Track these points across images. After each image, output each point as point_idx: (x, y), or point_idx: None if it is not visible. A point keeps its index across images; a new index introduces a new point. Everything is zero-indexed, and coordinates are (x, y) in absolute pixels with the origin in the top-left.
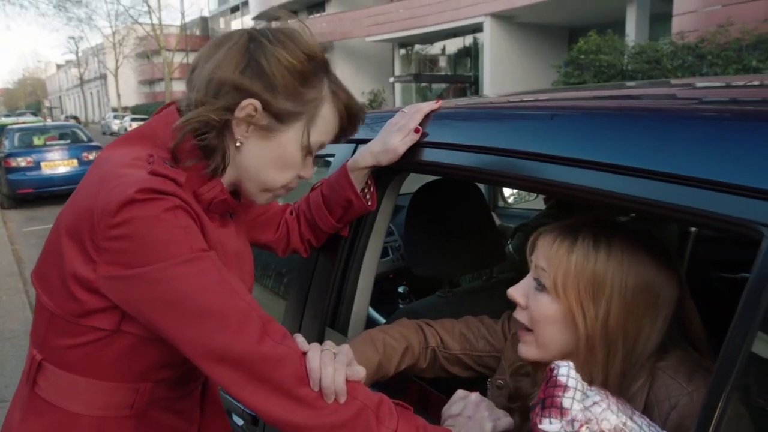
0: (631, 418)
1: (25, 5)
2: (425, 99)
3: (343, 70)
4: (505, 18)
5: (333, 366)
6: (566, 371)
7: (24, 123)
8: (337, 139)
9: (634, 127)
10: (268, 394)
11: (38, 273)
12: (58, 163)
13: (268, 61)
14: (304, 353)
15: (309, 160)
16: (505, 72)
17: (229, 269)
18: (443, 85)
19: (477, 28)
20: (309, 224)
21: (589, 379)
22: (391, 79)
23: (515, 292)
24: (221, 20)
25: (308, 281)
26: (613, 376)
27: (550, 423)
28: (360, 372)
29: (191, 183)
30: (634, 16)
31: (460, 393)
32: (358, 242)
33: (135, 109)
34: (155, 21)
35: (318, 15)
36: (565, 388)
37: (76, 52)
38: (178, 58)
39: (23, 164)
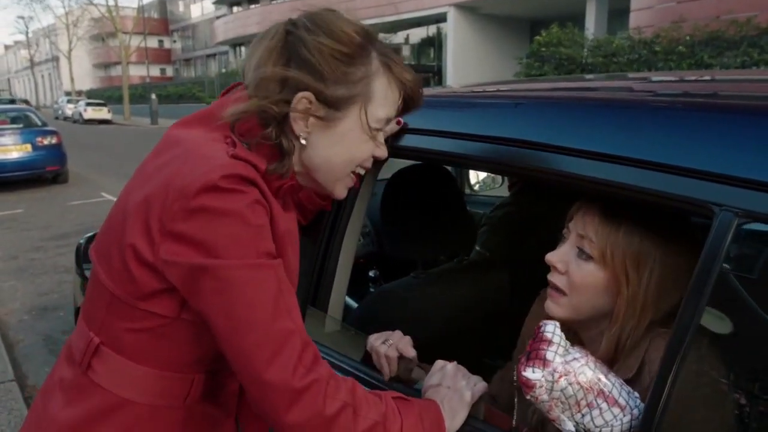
0: (605, 376)
1: None
2: None
3: None
4: (468, 9)
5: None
6: (552, 329)
7: None
8: (403, 111)
9: (599, 116)
10: (291, 421)
11: (99, 249)
12: (10, 148)
13: (310, 51)
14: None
15: (380, 137)
16: (468, 63)
17: (294, 258)
18: None
19: (440, 18)
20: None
21: (616, 341)
22: None
23: (554, 258)
24: (180, 3)
25: None
26: (633, 338)
27: (533, 372)
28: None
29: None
30: (594, 10)
31: (438, 364)
32: (339, 226)
33: (90, 93)
34: (111, 2)
35: (277, 2)
36: (550, 342)
37: (26, 33)
38: (135, 42)
39: None
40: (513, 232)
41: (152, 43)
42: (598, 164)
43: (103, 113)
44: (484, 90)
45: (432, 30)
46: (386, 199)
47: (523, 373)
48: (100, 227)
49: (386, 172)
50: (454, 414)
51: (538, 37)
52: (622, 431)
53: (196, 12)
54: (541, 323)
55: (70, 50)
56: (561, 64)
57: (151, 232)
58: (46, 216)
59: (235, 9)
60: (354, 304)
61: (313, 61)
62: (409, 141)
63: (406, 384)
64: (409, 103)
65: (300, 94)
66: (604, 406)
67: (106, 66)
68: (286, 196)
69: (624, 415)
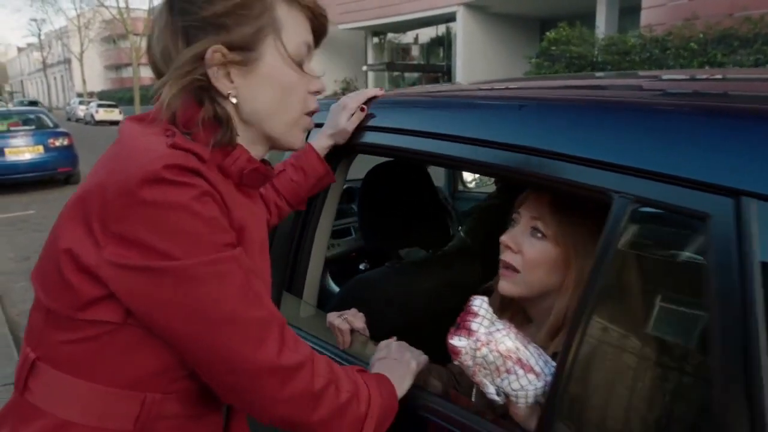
0: (524, 346)
1: None
2: (398, 87)
3: (315, 58)
4: (477, 8)
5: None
6: (479, 303)
7: None
8: (317, 36)
9: (526, 116)
10: (282, 402)
11: (37, 270)
12: (23, 149)
13: (199, 5)
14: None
15: (308, 69)
16: (478, 62)
17: (253, 259)
18: (416, 74)
19: (450, 18)
20: (278, 207)
21: (564, 312)
22: (364, 68)
23: (507, 238)
24: None
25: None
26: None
27: (459, 340)
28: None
29: (215, 157)
30: (604, 8)
31: (384, 342)
32: (312, 219)
33: (101, 95)
34: (122, 4)
35: None
36: (476, 315)
37: (39, 35)
38: (146, 43)
39: None
40: (491, 223)
41: None
42: (528, 157)
43: (114, 114)
44: (448, 91)
45: (441, 29)
46: (362, 195)
47: (450, 341)
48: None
49: (361, 170)
50: (402, 381)
51: (548, 35)
52: (536, 395)
53: None
54: (471, 298)
55: (81, 52)
56: (571, 63)
57: (92, 234)
58: None
59: None
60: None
61: (207, 14)
62: (379, 139)
63: (359, 357)
64: (318, 28)
65: (210, 48)
66: (520, 372)
67: (117, 67)
68: (257, 185)
69: (538, 381)
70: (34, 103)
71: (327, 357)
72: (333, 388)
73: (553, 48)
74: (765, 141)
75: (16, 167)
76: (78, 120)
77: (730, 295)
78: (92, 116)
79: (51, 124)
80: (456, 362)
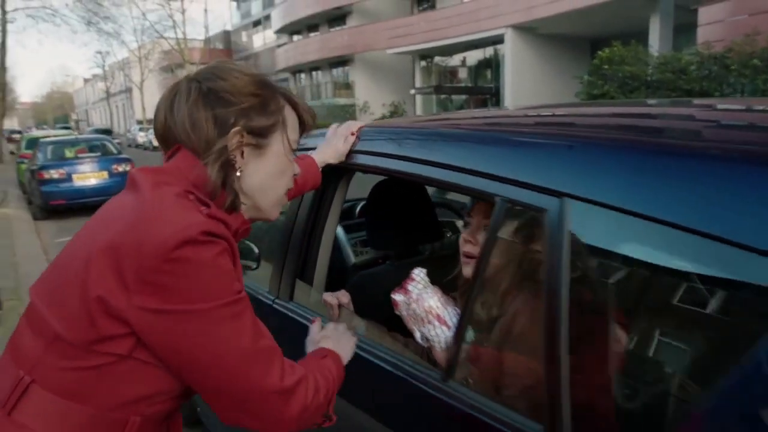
0: (444, 306)
1: (57, 22)
2: (446, 110)
3: (363, 83)
4: (525, 29)
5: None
6: (418, 272)
7: (55, 136)
8: (302, 134)
9: (451, 140)
10: (288, 419)
11: (49, 295)
12: (89, 175)
13: (229, 92)
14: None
15: (293, 157)
16: (526, 83)
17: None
18: (463, 97)
19: (497, 40)
20: None
21: (508, 286)
22: (412, 91)
23: (467, 235)
24: (243, 34)
25: (285, 248)
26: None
27: (398, 296)
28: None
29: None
30: (658, 26)
31: (330, 324)
32: (320, 223)
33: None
34: (180, 35)
35: (339, 28)
36: (413, 280)
37: (103, 67)
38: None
39: (56, 176)
40: None
41: None
42: (449, 172)
43: None
44: (422, 122)
45: (489, 51)
46: (367, 205)
47: (393, 296)
48: (51, 265)
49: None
50: (349, 351)
51: (600, 54)
52: (447, 342)
53: (258, 42)
54: (414, 269)
55: (142, 81)
56: (624, 83)
57: (124, 282)
58: None
59: (295, 37)
60: None
61: (234, 99)
62: (369, 160)
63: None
64: (304, 127)
65: (233, 130)
66: (437, 324)
67: None
68: (239, 239)
69: (449, 332)
70: (107, 131)
71: (306, 370)
72: (321, 395)
73: (605, 67)
74: (578, 160)
75: (82, 192)
76: (137, 146)
77: (556, 268)
78: (150, 142)
79: (114, 151)
80: (396, 312)
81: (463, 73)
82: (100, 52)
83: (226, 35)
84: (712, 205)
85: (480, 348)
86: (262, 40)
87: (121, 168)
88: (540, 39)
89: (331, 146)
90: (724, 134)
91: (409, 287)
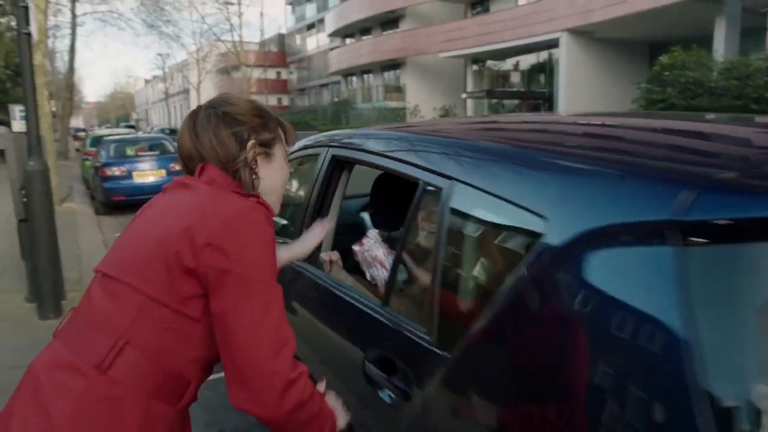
0: (387, 257)
1: (122, 26)
2: (498, 114)
3: (414, 86)
4: (582, 33)
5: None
6: (373, 232)
7: (118, 135)
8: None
9: (409, 143)
10: (280, 403)
11: (127, 268)
12: (148, 173)
13: (242, 114)
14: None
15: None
16: (581, 89)
17: None
18: (515, 101)
19: (552, 44)
20: None
21: (421, 242)
22: (463, 95)
23: (423, 216)
24: (297, 37)
25: (300, 225)
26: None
27: (356, 247)
28: None
29: None
30: (723, 30)
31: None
32: (326, 203)
33: None
34: (236, 38)
35: (392, 32)
36: (368, 237)
37: (163, 68)
38: (256, 74)
39: (117, 173)
40: None
41: (271, 74)
42: (399, 164)
43: None
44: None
45: (543, 56)
46: (371, 193)
47: (353, 247)
48: (116, 248)
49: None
50: (339, 417)
51: (661, 59)
52: (385, 280)
53: (311, 45)
54: (370, 230)
55: (199, 83)
56: (686, 88)
57: (196, 248)
58: None
59: (348, 41)
60: None
61: (245, 120)
62: (362, 156)
63: (336, 280)
64: (287, 142)
65: (249, 143)
66: (380, 267)
67: None
68: None
69: (386, 273)
70: (173, 131)
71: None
72: (315, 399)
73: (666, 73)
74: (457, 152)
75: (141, 189)
76: None
77: (444, 234)
78: None
79: (172, 150)
80: (355, 259)
81: (515, 78)
82: (160, 54)
83: (281, 38)
84: (522, 187)
85: (405, 284)
86: (315, 43)
87: (178, 167)
88: (596, 43)
89: (302, 247)
90: (549, 140)
91: (365, 242)
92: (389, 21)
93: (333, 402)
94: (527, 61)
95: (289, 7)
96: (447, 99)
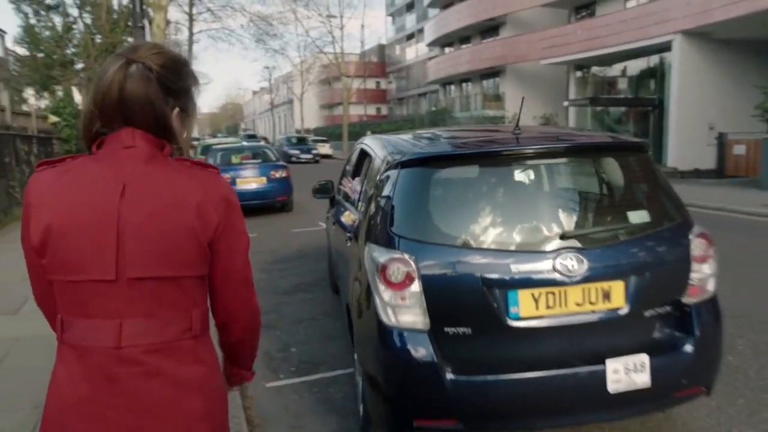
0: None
1: (232, 42)
2: (602, 123)
3: (513, 94)
4: (698, 35)
5: None
6: (356, 180)
7: (226, 143)
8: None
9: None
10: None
11: (168, 260)
12: (250, 180)
13: (177, 89)
14: None
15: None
16: (696, 94)
17: None
18: (622, 109)
19: (664, 48)
20: None
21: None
22: (566, 103)
23: (353, 184)
24: (396, 47)
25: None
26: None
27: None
28: None
29: None
30: None
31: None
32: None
33: (316, 131)
34: (338, 50)
35: (491, 39)
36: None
37: (269, 80)
38: (356, 84)
39: None
40: None
41: (370, 84)
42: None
43: (325, 149)
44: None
45: (653, 60)
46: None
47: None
48: (122, 244)
49: None
50: None
51: None
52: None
53: (410, 54)
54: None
55: (302, 93)
56: None
57: (203, 220)
58: (274, 241)
59: (446, 50)
60: None
61: (180, 94)
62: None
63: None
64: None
65: (178, 109)
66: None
67: (330, 106)
68: None
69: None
70: (252, 136)
71: None
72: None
73: None
74: (409, 149)
75: (243, 195)
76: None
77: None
78: (310, 150)
79: (273, 158)
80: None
81: (622, 84)
82: (267, 67)
83: (380, 49)
84: None
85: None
86: (414, 52)
87: (278, 174)
88: (715, 45)
89: None
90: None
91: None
92: (489, 29)
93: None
94: (635, 66)
95: (389, 18)
96: (548, 107)
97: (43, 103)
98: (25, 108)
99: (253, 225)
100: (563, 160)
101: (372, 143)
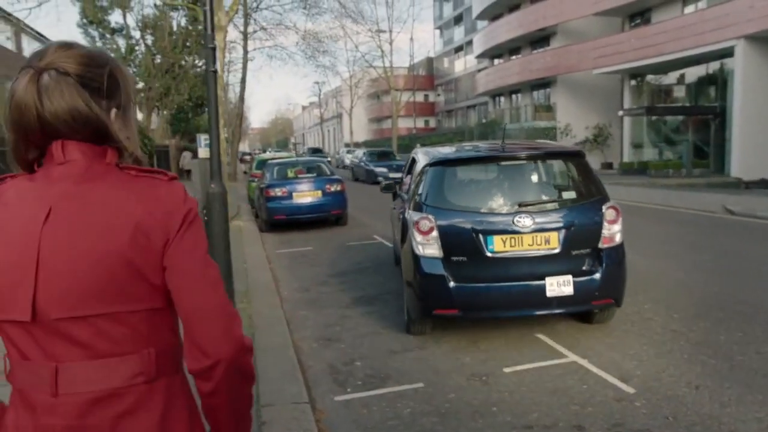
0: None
1: (284, 58)
2: (658, 133)
3: (565, 104)
4: (762, 39)
5: None
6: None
7: (280, 158)
8: None
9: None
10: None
11: (98, 296)
12: (306, 194)
13: (113, 89)
14: None
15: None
16: (762, 101)
17: None
18: (680, 118)
19: (725, 54)
20: None
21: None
22: (620, 113)
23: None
24: (445, 60)
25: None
26: None
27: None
28: None
29: None
30: None
31: None
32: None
33: (365, 144)
34: (387, 64)
35: (542, 50)
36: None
37: (319, 95)
38: (405, 97)
39: (279, 194)
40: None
41: (419, 97)
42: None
43: None
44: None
45: (713, 67)
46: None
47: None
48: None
49: None
50: None
51: None
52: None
53: (459, 67)
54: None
55: (351, 108)
56: None
57: (153, 247)
58: (330, 254)
59: (496, 61)
60: None
61: (114, 93)
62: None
63: None
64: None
65: (114, 110)
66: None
67: (378, 120)
68: None
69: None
70: (318, 150)
71: None
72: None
73: None
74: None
75: (300, 209)
76: (345, 167)
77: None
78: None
79: (328, 172)
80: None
81: (678, 92)
82: (317, 83)
83: (429, 62)
84: None
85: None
86: (462, 65)
87: (333, 188)
88: None
89: None
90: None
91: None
92: (539, 39)
93: None
94: (693, 73)
95: (437, 32)
96: (600, 117)
97: None
98: None
99: (309, 238)
100: (526, 162)
101: (419, 152)
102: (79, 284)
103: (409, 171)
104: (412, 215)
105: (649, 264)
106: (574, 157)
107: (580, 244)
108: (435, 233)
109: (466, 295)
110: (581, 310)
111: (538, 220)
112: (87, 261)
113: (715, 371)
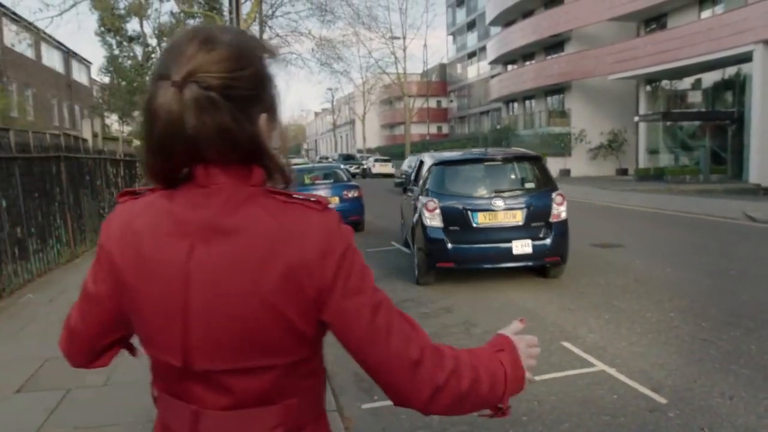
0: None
1: (300, 65)
2: (675, 138)
3: (579, 110)
4: None
5: None
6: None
7: (296, 164)
8: None
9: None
10: None
11: (243, 350)
12: None
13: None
14: None
15: None
16: None
17: None
18: (696, 123)
19: (743, 58)
20: None
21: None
22: (636, 118)
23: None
24: (458, 66)
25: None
26: None
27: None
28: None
29: None
30: None
31: (519, 324)
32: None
33: (378, 150)
34: (400, 70)
35: (556, 56)
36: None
37: (332, 101)
38: (418, 103)
39: None
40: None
41: (431, 103)
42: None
43: (388, 168)
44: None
45: (730, 72)
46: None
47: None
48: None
49: None
50: (528, 364)
51: None
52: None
53: (472, 73)
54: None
55: (364, 114)
56: None
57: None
58: None
59: (509, 67)
60: None
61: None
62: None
63: None
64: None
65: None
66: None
67: (391, 126)
68: None
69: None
70: (351, 157)
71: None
72: (460, 379)
73: None
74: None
75: None
76: (354, 175)
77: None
78: (369, 169)
79: (345, 178)
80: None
81: (694, 98)
82: (330, 89)
83: (442, 68)
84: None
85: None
86: (476, 71)
87: (350, 194)
88: None
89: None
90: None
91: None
92: (553, 45)
93: (523, 348)
94: (710, 78)
95: (450, 38)
96: (615, 122)
97: (126, 129)
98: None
99: None
100: (502, 163)
101: (426, 156)
102: (225, 335)
103: (418, 170)
104: (421, 199)
105: (673, 272)
106: (535, 160)
107: (537, 219)
108: (438, 211)
109: (459, 253)
110: (537, 264)
111: (508, 202)
112: (233, 309)
113: (749, 381)
